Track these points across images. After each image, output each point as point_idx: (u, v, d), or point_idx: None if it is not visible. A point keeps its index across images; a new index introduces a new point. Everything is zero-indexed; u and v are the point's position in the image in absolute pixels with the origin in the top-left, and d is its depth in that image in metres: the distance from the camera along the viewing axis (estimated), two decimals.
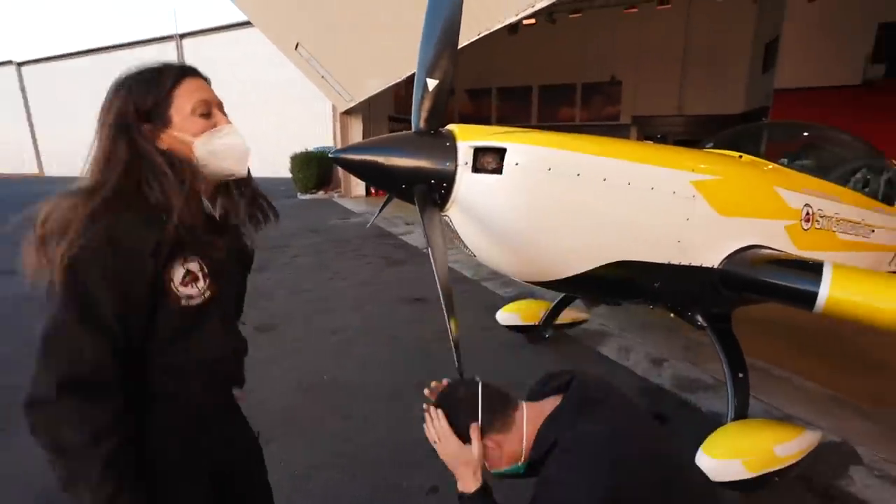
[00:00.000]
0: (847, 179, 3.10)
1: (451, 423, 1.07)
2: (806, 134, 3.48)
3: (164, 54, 24.20)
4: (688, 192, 1.91)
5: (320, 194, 15.12)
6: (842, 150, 3.42)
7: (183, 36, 24.27)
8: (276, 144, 22.98)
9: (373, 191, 15.32)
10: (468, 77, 21.83)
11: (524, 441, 1.07)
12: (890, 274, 3.07)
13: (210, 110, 0.90)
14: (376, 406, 2.78)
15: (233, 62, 22.99)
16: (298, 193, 14.99)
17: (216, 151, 0.88)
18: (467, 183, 1.76)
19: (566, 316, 3.72)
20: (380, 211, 2.63)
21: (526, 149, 1.73)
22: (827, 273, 1.79)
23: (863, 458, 2.26)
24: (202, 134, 0.87)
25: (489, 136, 1.83)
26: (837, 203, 2.71)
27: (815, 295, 1.78)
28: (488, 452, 1.07)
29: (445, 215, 1.85)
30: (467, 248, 2.06)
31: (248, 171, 1.01)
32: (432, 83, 1.73)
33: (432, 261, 1.53)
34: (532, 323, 3.62)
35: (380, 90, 11.19)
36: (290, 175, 15.12)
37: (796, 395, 2.86)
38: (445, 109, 1.77)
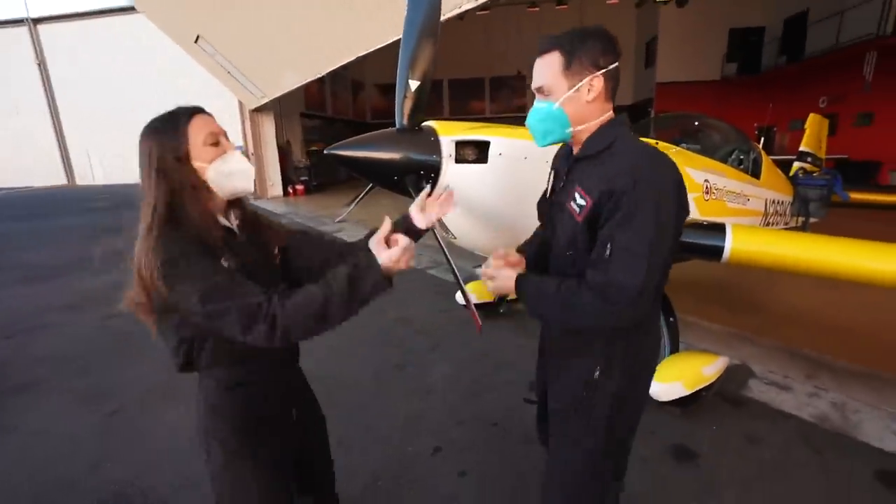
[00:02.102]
0: (726, 159, 3.86)
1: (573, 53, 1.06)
2: (696, 123, 4.23)
3: (18, 41, 20.80)
4: None
5: None
6: (721, 135, 4.21)
7: (37, 21, 20.91)
8: None
9: (290, 191, 14.77)
10: (378, 72, 21.71)
11: (591, 121, 1.10)
12: (773, 229, 3.91)
13: (218, 140, 1.06)
14: (360, 392, 2.93)
15: (105, 53, 20.46)
16: None
17: (226, 173, 1.06)
18: (452, 172, 2.01)
19: None
20: (353, 206, 2.76)
21: (506, 141, 2.02)
22: (728, 231, 2.34)
23: (756, 373, 2.94)
24: (214, 160, 1.04)
25: (465, 131, 2.09)
26: (724, 178, 3.39)
27: (721, 248, 2.32)
28: (585, 84, 1.07)
29: None
30: (448, 231, 2.31)
31: None
32: (414, 84, 1.94)
33: (436, 234, 1.77)
34: (488, 300, 3.98)
35: (297, 86, 10.79)
36: None
37: (705, 334, 3.55)
38: (425, 107, 1.99)
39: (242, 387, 1.11)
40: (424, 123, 2.09)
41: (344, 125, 20.73)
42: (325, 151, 1.92)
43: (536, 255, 1.41)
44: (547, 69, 1.09)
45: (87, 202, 15.28)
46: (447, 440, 2.40)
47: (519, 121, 2.49)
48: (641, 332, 1.21)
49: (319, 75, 10.09)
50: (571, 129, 1.12)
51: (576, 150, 1.18)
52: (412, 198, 1.98)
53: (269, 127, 13.78)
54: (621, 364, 1.18)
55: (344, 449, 2.28)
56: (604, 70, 1.06)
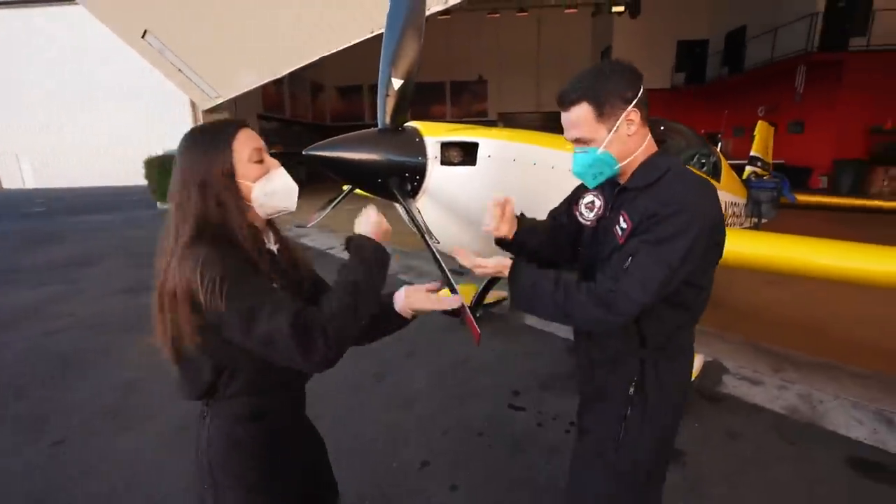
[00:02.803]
0: (688, 162, 4.00)
1: (604, 92, 1.06)
2: (662, 128, 4.38)
3: None
4: None
5: None
6: (683, 139, 4.38)
7: None
8: (120, 148, 19.59)
9: None
10: (338, 75, 21.37)
11: (636, 151, 1.11)
12: (735, 229, 4.09)
13: (262, 157, 1.00)
14: (340, 405, 2.78)
15: (42, 46, 18.92)
16: (158, 203, 13.11)
17: (271, 193, 1.00)
18: (437, 174, 1.94)
19: (490, 296, 4.10)
20: (330, 208, 2.61)
21: (496, 143, 1.97)
22: None
23: (729, 369, 3.05)
24: (259, 179, 0.98)
25: (450, 132, 2.02)
26: None
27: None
28: (622, 122, 1.07)
29: (416, 205, 1.99)
30: (432, 237, 2.23)
31: None
32: (397, 82, 1.85)
33: (427, 239, 1.71)
34: (465, 304, 3.91)
35: (254, 87, 10.36)
36: (145, 182, 13.12)
37: None
38: (408, 107, 1.91)
39: (266, 417, 1.01)
40: (407, 124, 2.01)
41: (303, 128, 20.23)
42: (303, 152, 1.80)
43: (533, 245, 1.38)
44: (580, 121, 1.09)
45: (18, 207, 14.00)
46: (434, 453, 2.30)
47: (481, 125, 2.49)
48: (681, 355, 1.26)
49: (278, 76, 9.74)
50: (619, 165, 1.13)
51: (623, 181, 1.17)
52: (395, 201, 1.89)
53: None
54: (655, 375, 1.20)
55: None
56: (634, 101, 1.07)
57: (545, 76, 21.13)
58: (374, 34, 7.51)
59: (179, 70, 10.67)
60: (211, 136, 0.96)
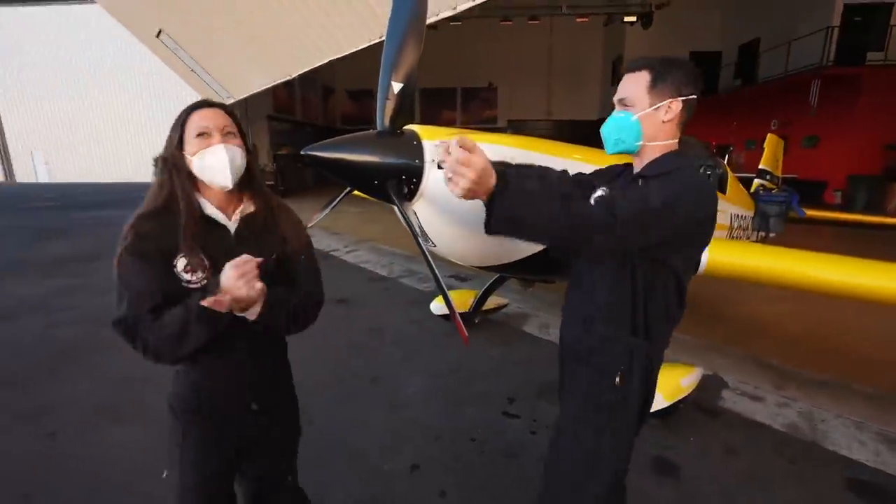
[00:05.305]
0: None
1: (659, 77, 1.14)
2: None
3: None
4: None
5: None
6: (689, 151, 4.34)
7: None
8: (132, 144, 19.90)
9: None
10: (349, 78, 21.53)
11: (660, 140, 1.17)
12: (742, 242, 4.03)
13: (209, 133, 1.09)
14: (333, 406, 2.76)
15: (57, 44, 19.30)
16: None
17: (206, 167, 1.09)
18: (435, 178, 1.93)
19: (490, 303, 4.07)
20: (328, 210, 2.62)
21: (491, 148, 1.95)
22: None
23: (728, 384, 2.99)
24: (197, 153, 1.08)
25: (449, 136, 2.01)
26: None
27: (698, 261, 2.34)
28: (665, 106, 1.13)
29: (413, 208, 1.99)
30: (428, 240, 2.22)
31: (261, 186, 1.23)
32: (397, 86, 1.86)
33: (420, 241, 1.72)
34: (463, 311, 3.90)
35: (266, 87, 10.47)
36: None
37: (676, 345, 3.58)
38: (410, 110, 1.91)
39: (193, 366, 1.16)
40: (406, 127, 2.01)
41: (313, 130, 20.36)
42: (301, 152, 1.80)
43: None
44: (634, 84, 1.17)
45: (29, 201, 14.24)
46: (425, 457, 2.28)
47: (490, 131, 2.48)
48: (659, 331, 1.25)
49: (289, 77, 9.83)
50: (641, 143, 1.19)
51: (637, 169, 1.23)
52: (392, 204, 1.89)
53: None
54: (642, 365, 1.23)
55: (317, 467, 2.13)
56: (684, 98, 1.14)
57: (556, 85, 21.12)
58: (384, 39, 7.55)
59: (192, 70, 10.85)
60: (176, 117, 1.11)
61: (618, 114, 1.20)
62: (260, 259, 1.02)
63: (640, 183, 1.18)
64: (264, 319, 1.08)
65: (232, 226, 1.15)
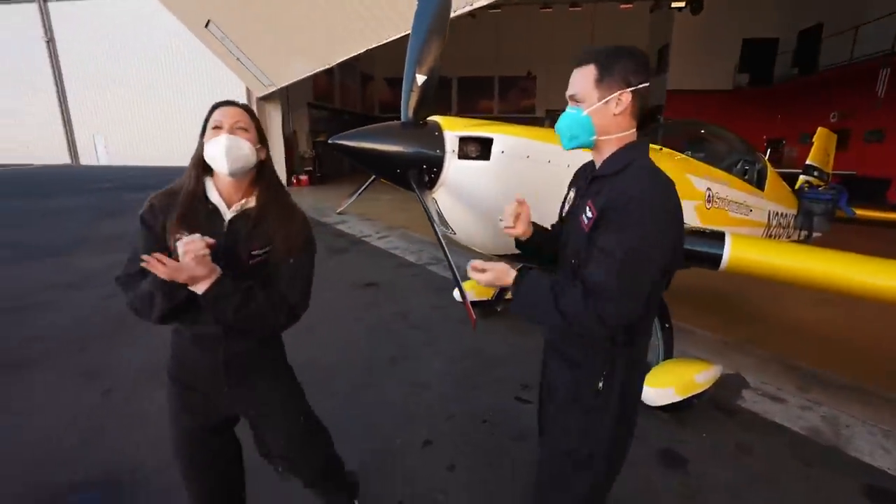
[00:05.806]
0: (731, 168, 3.84)
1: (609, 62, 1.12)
2: (703, 131, 4.21)
3: (27, 18, 20.89)
4: None
5: None
6: (727, 145, 4.19)
7: None
8: (183, 131, 20.97)
9: (294, 181, 14.80)
10: (388, 66, 21.66)
11: (614, 133, 1.15)
12: (772, 240, 3.89)
13: (220, 126, 1.22)
14: (354, 382, 2.93)
15: (116, 34, 20.48)
16: None
17: (210, 156, 1.22)
18: (455, 168, 2.01)
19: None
20: (356, 196, 2.76)
21: (509, 139, 2.02)
22: (728, 239, 2.33)
23: (749, 383, 2.94)
24: (207, 142, 1.22)
25: (469, 127, 2.09)
26: (727, 187, 3.38)
27: (720, 257, 2.31)
28: (614, 99, 1.11)
29: (433, 196, 2.08)
30: (448, 226, 2.31)
31: (272, 182, 1.33)
32: (420, 78, 1.94)
33: (436, 229, 1.80)
34: (485, 298, 3.98)
35: (306, 76, 10.77)
36: None
37: (699, 343, 3.54)
38: (433, 102, 1.99)
39: (178, 338, 1.38)
40: (430, 118, 2.09)
41: (352, 117, 20.72)
42: (328, 141, 1.93)
43: (549, 248, 1.40)
44: (582, 79, 1.15)
45: (90, 182, 15.32)
46: (437, 434, 2.40)
47: (526, 121, 2.48)
48: (640, 336, 1.24)
49: (329, 65, 10.08)
50: (595, 138, 1.18)
51: (597, 165, 1.23)
52: (414, 192, 1.99)
53: (275, 116, 13.77)
54: (624, 369, 1.21)
55: (334, 437, 2.29)
56: (633, 88, 1.11)
57: None
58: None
59: (237, 59, 11.29)
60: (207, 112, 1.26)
61: (569, 110, 1.20)
62: (210, 240, 1.12)
63: (596, 185, 1.18)
64: (212, 302, 1.15)
65: (228, 215, 1.25)
